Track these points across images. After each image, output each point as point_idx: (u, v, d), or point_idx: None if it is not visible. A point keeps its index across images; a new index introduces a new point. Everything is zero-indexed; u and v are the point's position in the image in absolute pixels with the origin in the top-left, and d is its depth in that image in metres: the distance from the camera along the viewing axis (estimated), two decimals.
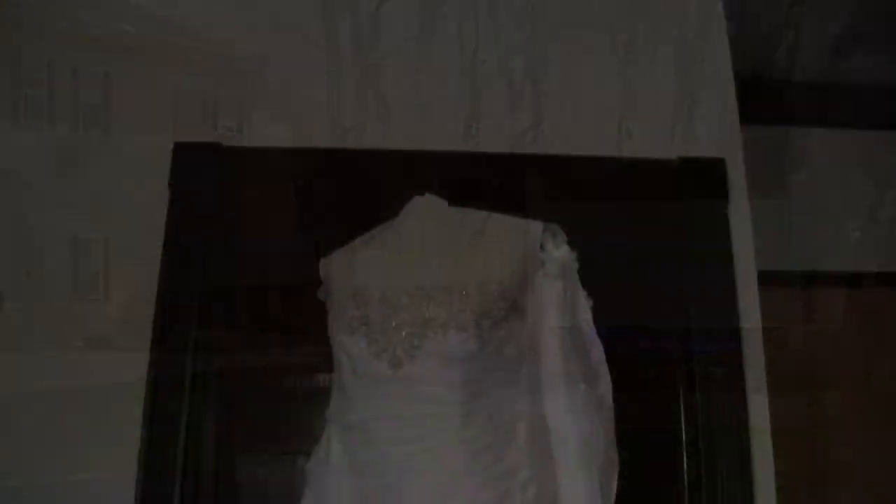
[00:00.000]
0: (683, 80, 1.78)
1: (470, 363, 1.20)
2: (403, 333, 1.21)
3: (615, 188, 1.66)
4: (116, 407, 1.50)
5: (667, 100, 1.76)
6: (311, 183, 1.62)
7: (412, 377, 1.20)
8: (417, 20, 1.73)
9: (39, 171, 1.62)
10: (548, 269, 1.31)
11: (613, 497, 1.28)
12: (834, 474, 2.09)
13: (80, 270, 1.57)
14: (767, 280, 1.76)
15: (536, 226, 1.32)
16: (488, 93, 1.71)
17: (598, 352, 1.31)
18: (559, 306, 1.29)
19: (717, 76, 1.79)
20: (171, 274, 1.51)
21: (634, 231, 1.67)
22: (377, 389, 1.22)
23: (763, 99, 2.08)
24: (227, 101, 1.66)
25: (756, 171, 1.77)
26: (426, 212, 1.35)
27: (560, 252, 1.32)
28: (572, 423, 1.27)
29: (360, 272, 1.31)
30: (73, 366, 1.54)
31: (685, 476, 1.48)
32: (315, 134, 1.67)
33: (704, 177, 1.67)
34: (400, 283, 1.25)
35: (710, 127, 1.76)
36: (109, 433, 1.49)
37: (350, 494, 1.24)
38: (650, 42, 1.78)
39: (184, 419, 1.46)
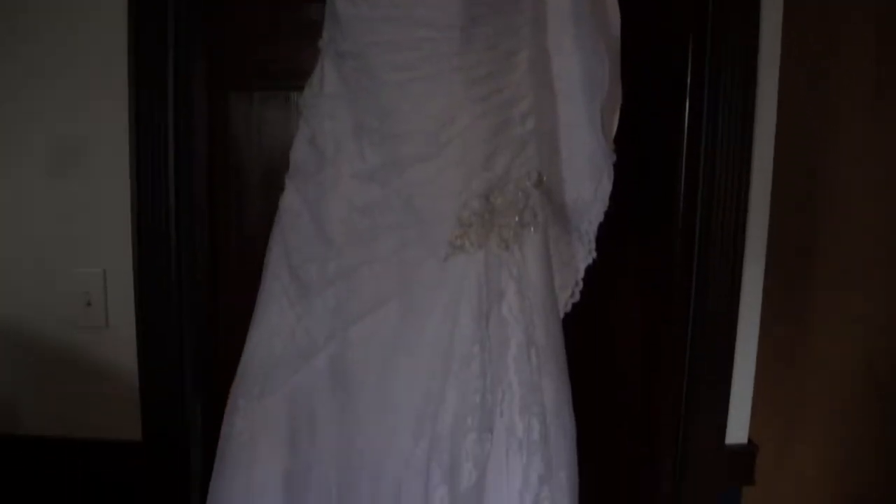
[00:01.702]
0: None
1: None
2: None
3: None
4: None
5: None
6: None
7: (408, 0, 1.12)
8: None
9: None
10: None
11: (613, 132, 1.26)
12: (834, 127, 2.08)
13: None
14: None
15: None
16: None
17: None
18: None
19: None
20: None
21: None
22: (372, 14, 1.14)
23: None
24: None
25: None
26: None
27: None
28: (576, 53, 1.21)
29: None
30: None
31: (685, 121, 1.46)
32: None
33: None
34: None
35: None
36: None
37: (345, 124, 1.21)
38: None
39: (171, 57, 1.40)
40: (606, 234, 1.29)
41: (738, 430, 1.50)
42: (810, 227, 2.00)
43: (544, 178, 1.20)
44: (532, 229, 1.17)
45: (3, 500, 1.48)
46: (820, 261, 2.03)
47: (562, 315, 1.28)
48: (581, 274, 1.32)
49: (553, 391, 1.21)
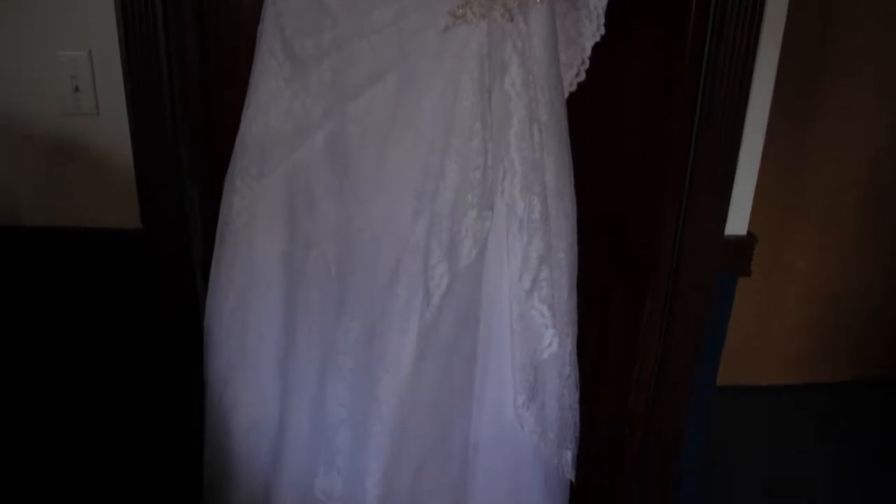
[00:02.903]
0: None
1: None
2: None
3: None
4: None
5: None
6: None
7: None
8: None
9: None
10: None
11: None
12: None
13: None
14: None
15: None
16: None
17: None
18: None
19: None
20: None
21: None
22: None
23: None
24: None
25: None
26: None
27: None
28: None
29: None
30: None
31: None
32: None
33: None
34: None
35: None
36: None
37: None
38: None
39: None
40: (618, 11, 1.22)
41: (738, 222, 1.49)
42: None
43: None
44: (538, 0, 1.11)
45: (4, 291, 1.49)
46: (832, 51, 1.97)
47: (566, 95, 1.24)
48: (588, 52, 1.26)
49: (555, 170, 1.19)
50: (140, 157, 1.40)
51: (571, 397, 1.34)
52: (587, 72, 1.26)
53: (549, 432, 1.32)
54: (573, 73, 1.27)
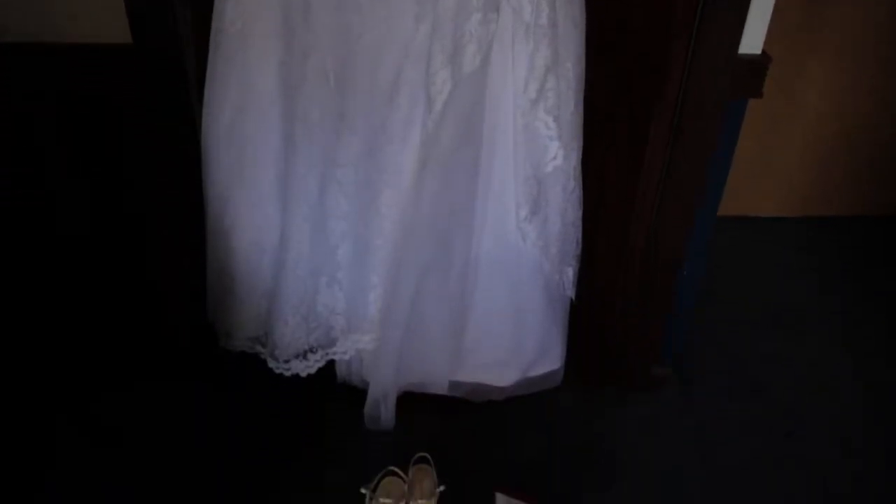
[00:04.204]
0: None
1: None
2: None
3: None
4: None
5: None
6: None
7: None
8: None
9: None
10: None
11: None
12: None
13: None
14: None
15: None
16: None
17: None
18: None
19: None
20: None
21: None
22: None
23: None
24: None
25: None
26: None
27: None
28: None
29: None
30: None
31: None
32: None
33: None
34: None
35: None
36: None
37: None
38: None
39: None
40: None
41: (752, 39, 1.41)
42: None
43: None
44: None
45: None
46: None
47: None
48: None
49: None
50: None
51: (574, 213, 1.33)
52: None
53: (550, 247, 1.32)
54: None
